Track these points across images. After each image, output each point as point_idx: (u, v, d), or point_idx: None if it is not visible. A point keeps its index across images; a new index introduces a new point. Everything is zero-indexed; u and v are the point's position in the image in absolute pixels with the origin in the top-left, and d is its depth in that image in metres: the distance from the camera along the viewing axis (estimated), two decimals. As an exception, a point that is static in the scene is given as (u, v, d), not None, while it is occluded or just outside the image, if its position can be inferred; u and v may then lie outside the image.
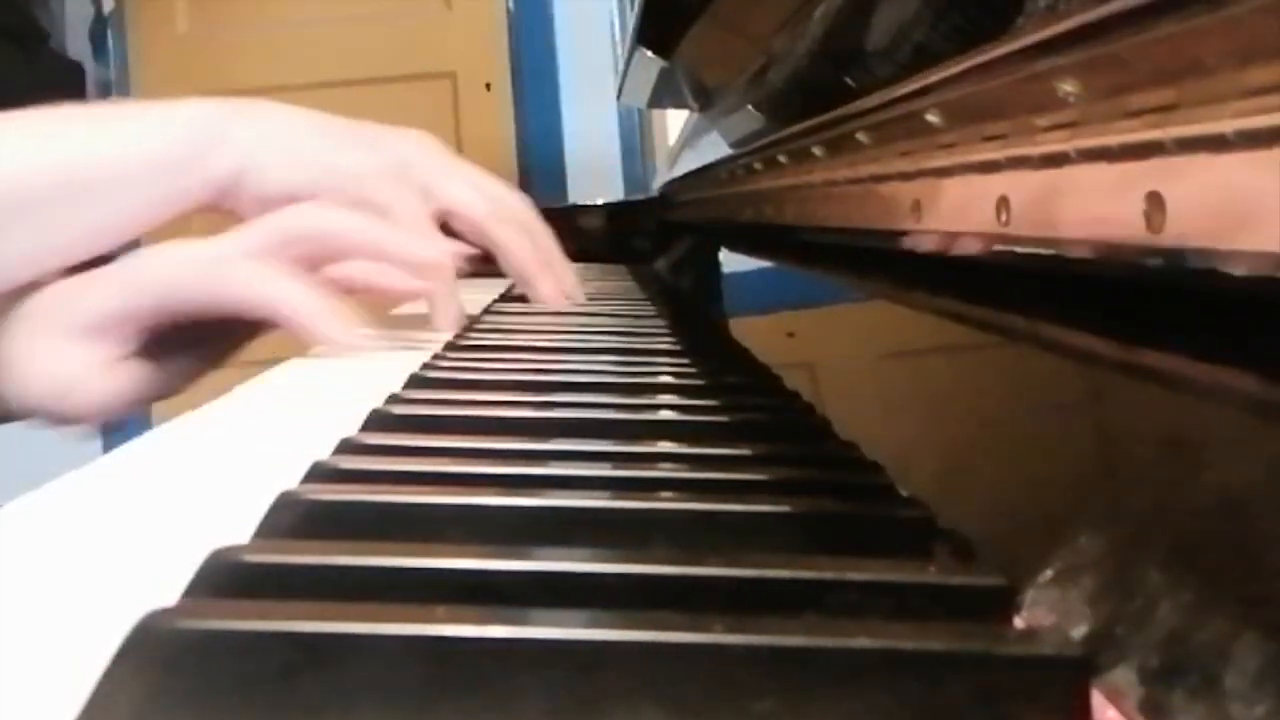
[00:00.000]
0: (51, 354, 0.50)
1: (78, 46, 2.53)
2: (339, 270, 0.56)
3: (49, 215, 0.53)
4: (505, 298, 0.73)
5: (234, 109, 0.60)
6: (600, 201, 1.34)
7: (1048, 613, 0.20)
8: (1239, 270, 0.18)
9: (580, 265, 1.03)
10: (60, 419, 0.52)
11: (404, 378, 0.39)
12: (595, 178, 2.55)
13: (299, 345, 0.50)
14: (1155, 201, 0.19)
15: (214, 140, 0.58)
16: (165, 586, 0.18)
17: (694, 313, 0.69)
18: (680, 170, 1.03)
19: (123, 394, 0.51)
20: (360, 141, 0.62)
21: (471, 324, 0.57)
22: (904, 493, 0.26)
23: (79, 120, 0.57)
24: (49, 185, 0.53)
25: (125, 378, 0.51)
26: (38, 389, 0.50)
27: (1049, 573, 0.21)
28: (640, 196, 1.49)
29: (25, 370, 0.50)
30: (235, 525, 0.22)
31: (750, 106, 0.67)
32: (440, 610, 0.16)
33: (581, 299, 0.68)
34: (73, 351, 0.50)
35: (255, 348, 0.58)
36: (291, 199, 0.56)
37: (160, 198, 0.57)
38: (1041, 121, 0.25)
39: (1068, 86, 0.23)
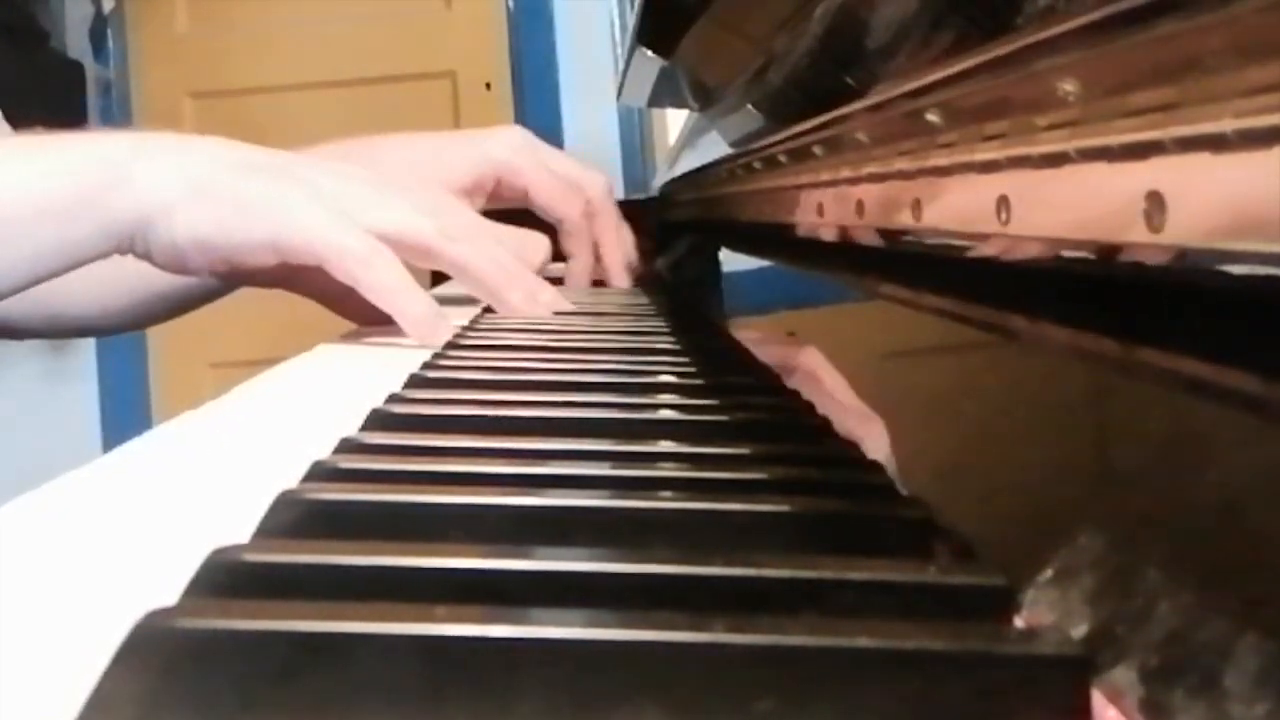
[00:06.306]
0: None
1: (78, 46, 2.53)
2: None
3: None
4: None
5: (137, 148, 0.54)
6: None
7: (1048, 613, 0.20)
8: (1239, 270, 0.18)
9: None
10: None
11: (404, 377, 0.39)
12: (595, 177, 2.55)
13: (298, 344, 0.50)
14: (1155, 201, 0.19)
15: (111, 184, 0.52)
16: (165, 586, 0.18)
17: (694, 312, 0.69)
18: (680, 170, 1.03)
19: None
20: (276, 175, 0.55)
21: (472, 323, 0.57)
22: (904, 493, 0.26)
23: None
24: None
25: None
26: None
27: (1049, 573, 0.21)
28: (640, 196, 1.49)
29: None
30: (235, 525, 0.22)
31: (750, 106, 0.67)
32: (440, 610, 0.16)
33: (566, 307, 0.61)
34: None
35: (255, 348, 0.57)
36: (202, 247, 0.53)
37: (49, 248, 0.52)
38: (1041, 121, 0.25)
39: (1068, 86, 0.23)
